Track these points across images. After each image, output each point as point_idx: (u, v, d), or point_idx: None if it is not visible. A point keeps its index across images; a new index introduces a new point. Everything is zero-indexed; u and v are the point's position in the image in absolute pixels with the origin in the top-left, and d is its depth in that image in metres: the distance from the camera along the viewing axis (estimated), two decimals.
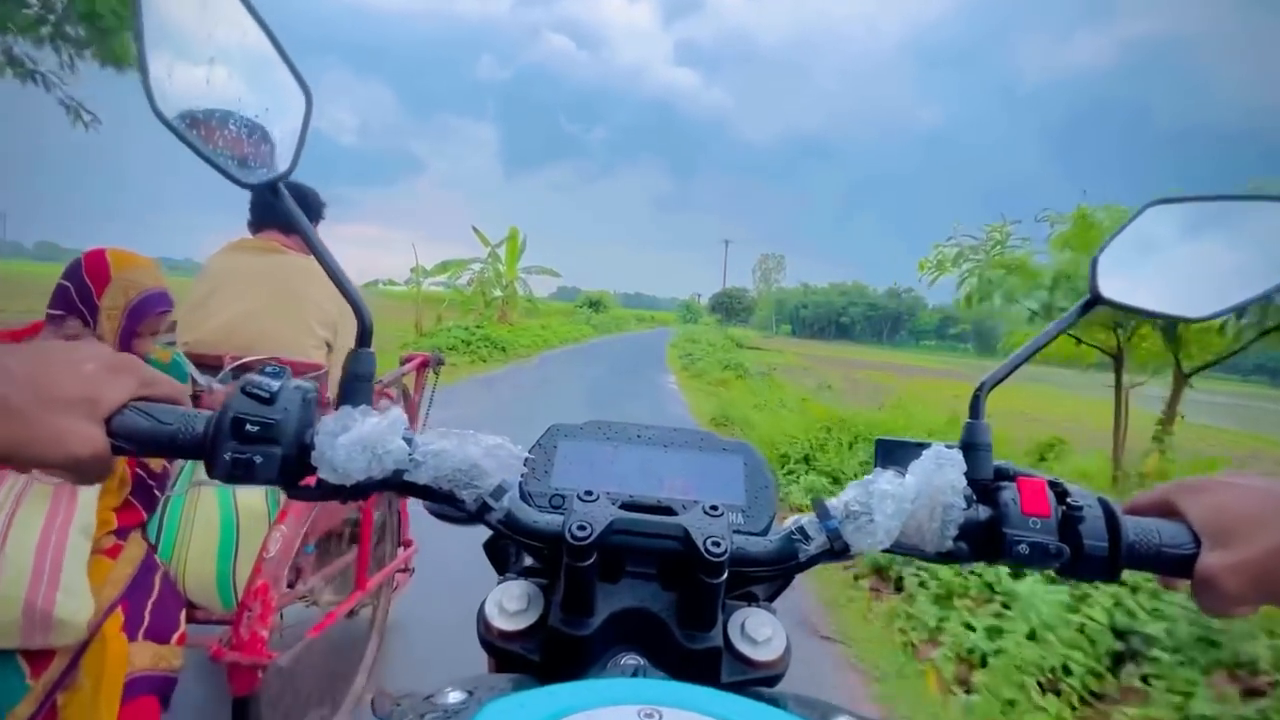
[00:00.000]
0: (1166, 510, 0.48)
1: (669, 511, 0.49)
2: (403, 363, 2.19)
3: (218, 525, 1.52)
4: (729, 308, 71.02)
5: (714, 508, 0.46)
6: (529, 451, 0.51)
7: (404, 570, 2.31)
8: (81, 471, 0.43)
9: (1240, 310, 0.53)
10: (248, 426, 0.44)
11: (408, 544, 2.28)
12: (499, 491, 0.46)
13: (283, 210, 0.48)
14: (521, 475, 0.48)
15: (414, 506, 2.04)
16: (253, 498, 1.55)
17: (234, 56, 0.46)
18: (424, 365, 2.21)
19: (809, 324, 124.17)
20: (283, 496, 1.49)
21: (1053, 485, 0.47)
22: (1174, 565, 0.45)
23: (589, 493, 0.46)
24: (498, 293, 22.16)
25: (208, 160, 0.46)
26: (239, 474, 0.44)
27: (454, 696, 0.37)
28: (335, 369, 1.86)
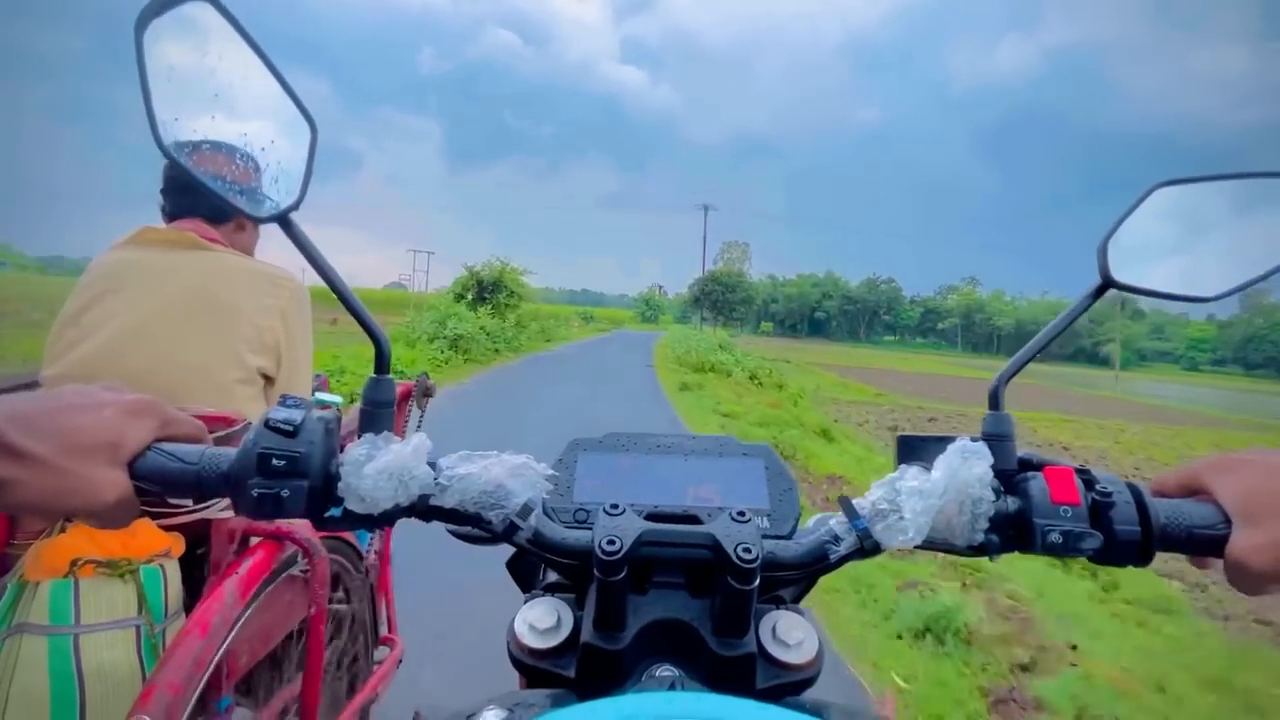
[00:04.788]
0: (1195, 490, 0.49)
1: (695, 520, 0.50)
2: None
3: (47, 701, 0.90)
4: (718, 300, 50.96)
5: (741, 513, 0.47)
6: (551, 468, 0.51)
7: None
8: (107, 518, 0.45)
9: (1250, 287, 0.49)
10: (273, 461, 0.44)
11: (390, 642, 1.70)
12: (525, 510, 0.46)
13: (295, 242, 0.49)
14: (546, 492, 0.49)
15: (400, 586, 1.82)
16: (113, 650, 0.94)
17: (237, 90, 0.47)
18: (406, 397, 1.78)
19: (780, 319, 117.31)
20: (168, 634, 0.98)
21: (1080, 473, 0.48)
22: (1205, 546, 0.46)
23: (615, 506, 0.47)
24: None
25: (216, 194, 0.47)
26: (267, 509, 0.45)
27: (493, 715, 0.38)
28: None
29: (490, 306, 19.80)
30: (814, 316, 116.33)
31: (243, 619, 0.98)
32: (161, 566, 1.00)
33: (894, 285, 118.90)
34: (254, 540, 1.08)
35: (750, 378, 15.36)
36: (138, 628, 0.96)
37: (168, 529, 1.03)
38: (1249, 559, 0.42)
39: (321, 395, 1.59)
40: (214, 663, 0.92)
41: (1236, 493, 0.45)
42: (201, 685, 0.90)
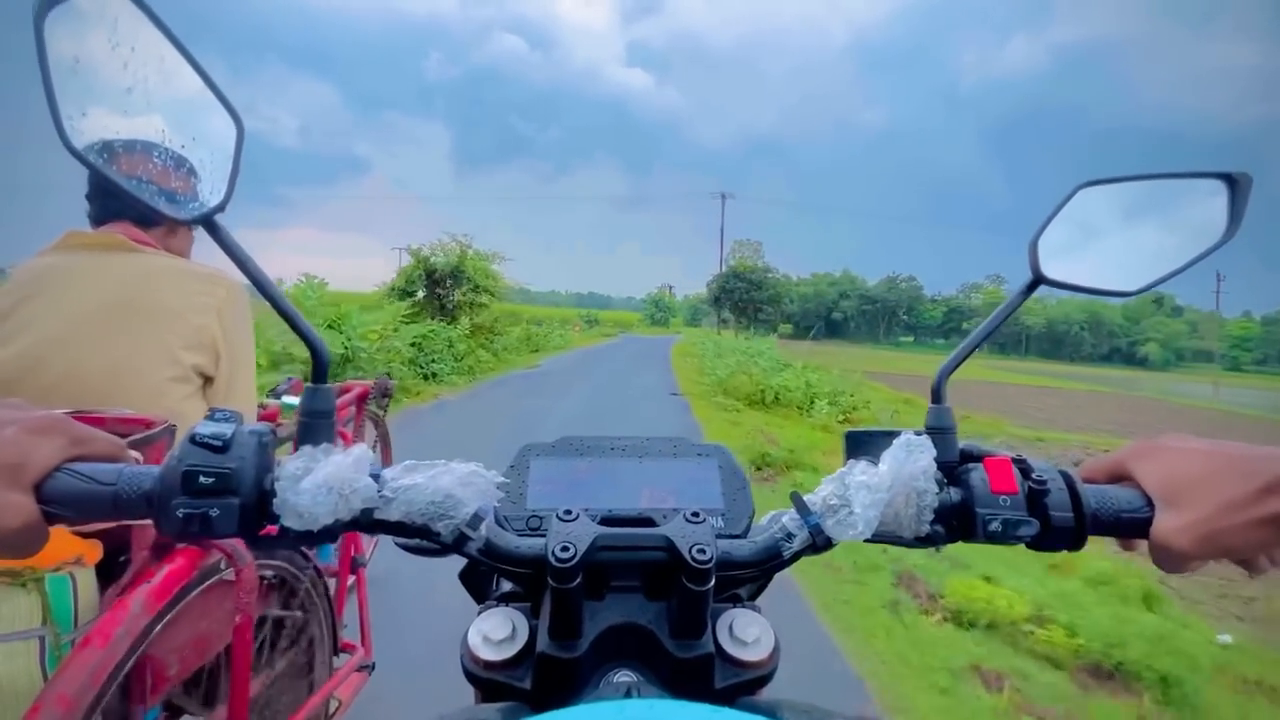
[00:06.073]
0: (1120, 476, 0.51)
1: (650, 523, 0.50)
2: (337, 396, 1.72)
3: None
4: (741, 299, 42.34)
5: (695, 514, 0.47)
6: (502, 475, 0.51)
7: (360, 670, 1.70)
8: (12, 545, 0.42)
9: (1167, 281, 0.52)
10: (201, 479, 0.43)
11: (351, 649, 1.68)
12: (475, 520, 0.46)
13: (221, 245, 0.48)
14: (497, 500, 0.48)
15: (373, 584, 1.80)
16: (11, 663, 0.90)
17: (152, 84, 0.45)
18: (363, 398, 1.75)
19: (795, 320, 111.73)
20: (70, 641, 0.94)
21: (1017, 462, 0.50)
22: (1132, 528, 0.48)
23: (568, 512, 0.46)
24: None
25: (133, 196, 0.45)
26: (194, 530, 0.43)
27: None
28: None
29: (414, 306, 12.87)
30: (830, 317, 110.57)
31: (159, 628, 0.95)
32: (71, 575, 0.95)
33: (915, 284, 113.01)
34: (179, 546, 1.05)
35: (836, 411, 9.21)
36: (41, 639, 0.92)
37: (85, 535, 0.97)
38: (1170, 539, 0.45)
39: (290, 400, 1.64)
40: (122, 673, 0.89)
41: (1157, 477, 0.47)
42: (104, 697, 0.86)
